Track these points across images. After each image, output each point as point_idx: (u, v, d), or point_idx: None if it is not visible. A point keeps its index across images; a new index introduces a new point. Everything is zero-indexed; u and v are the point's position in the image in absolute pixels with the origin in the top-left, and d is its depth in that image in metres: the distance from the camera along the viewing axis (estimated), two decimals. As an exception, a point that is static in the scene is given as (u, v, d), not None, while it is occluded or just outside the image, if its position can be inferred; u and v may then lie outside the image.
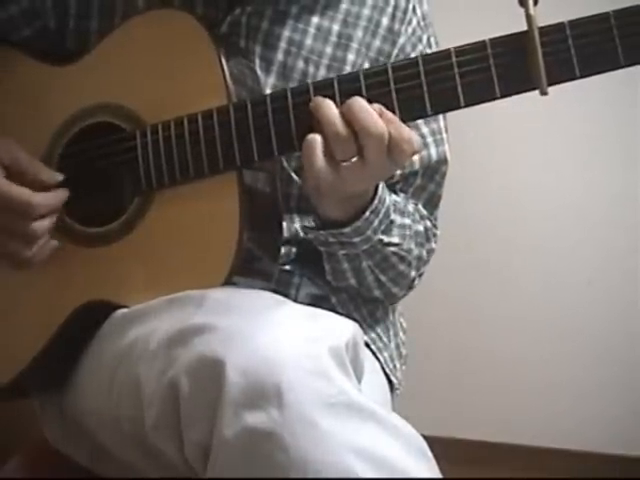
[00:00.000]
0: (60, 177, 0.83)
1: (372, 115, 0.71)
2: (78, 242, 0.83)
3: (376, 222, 0.83)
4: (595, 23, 0.70)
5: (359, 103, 0.72)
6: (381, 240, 0.85)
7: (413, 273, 0.94)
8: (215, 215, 0.77)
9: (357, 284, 0.91)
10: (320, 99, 0.74)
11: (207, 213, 0.78)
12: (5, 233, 0.79)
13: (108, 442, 0.79)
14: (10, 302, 0.87)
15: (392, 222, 0.86)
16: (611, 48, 0.69)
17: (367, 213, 0.81)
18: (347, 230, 0.81)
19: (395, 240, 0.87)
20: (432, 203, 1.00)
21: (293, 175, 0.91)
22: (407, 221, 0.90)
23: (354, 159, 0.73)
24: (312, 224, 0.87)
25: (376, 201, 0.81)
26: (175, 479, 0.72)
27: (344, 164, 0.73)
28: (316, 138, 0.73)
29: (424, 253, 0.95)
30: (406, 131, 0.72)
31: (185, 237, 0.78)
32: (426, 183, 0.98)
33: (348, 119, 0.72)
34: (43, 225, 0.79)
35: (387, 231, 0.85)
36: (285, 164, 0.90)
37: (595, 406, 1.85)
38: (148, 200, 0.81)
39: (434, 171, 0.98)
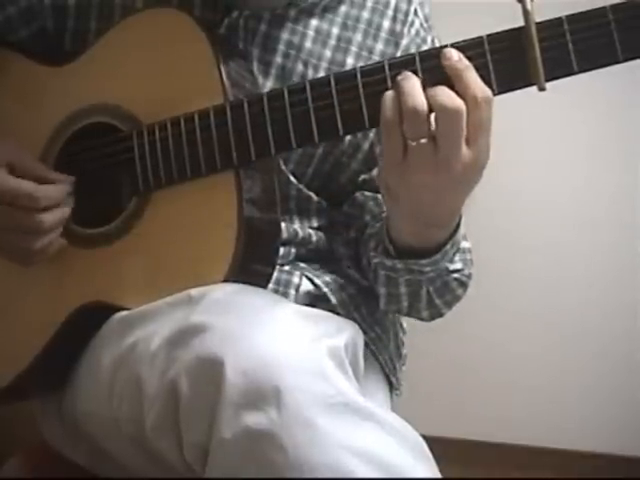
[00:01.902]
0: (64, 176, 0.82)
1: (449, 90, 0.68)
2: (76, 243, 0.83)
3: (451, 253, 0.81)
4: (593, 18, 0.69)
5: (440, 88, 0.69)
6: (447, 267, 0.83)
7: (464, 295, 0.92)
8: (212, 215, 0.77)
9: (408, 307, 0.89)
10: (407, 73, 0.70)
11: (205, 213, 0.77)
12: (12, 227, 0.79)
13: (107, 443, 0.79)
14: (9, 304, 0.87)
15: (458, 249, 0.84)
16: (609, 43, 0.68)
17: (448, 246, 0.79)
18: (424, 262, 0.79)
19: (458, 266, 0.85)
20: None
21: (291, 177, 0.91)
22: (467, 244, 0.88)
23: (424, 140, 0.68)
24: (379, 253, 0.83)
25: (457, 234, 0.80)
26: (175, 479, 0.71)
27: (414, 144, 0.68)
28: (396, 109, 0.69)
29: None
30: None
31: (183, 237, 0.78)
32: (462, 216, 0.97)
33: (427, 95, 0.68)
34: (50, 218, 0.79)
35: (451, 259, 0.83)
36: (283, 167, 0.89)
37: (595, 406, 1.85)
38: (146, 200, 0.81)
39: None
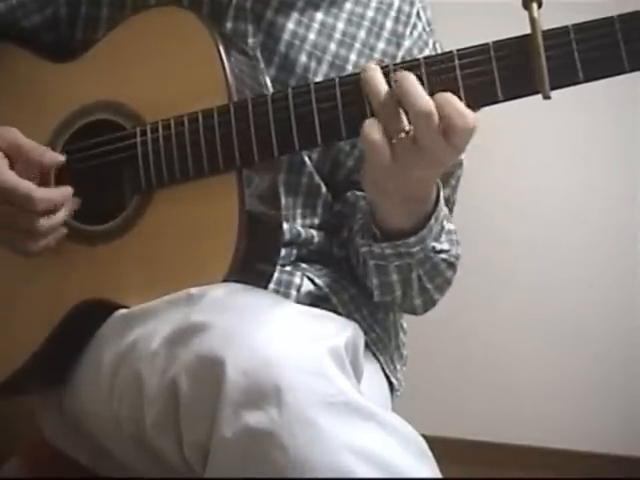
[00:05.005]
0: (62, 158, 0.82)
1: (419, 90, 0.69)
2: (77, 240, 0.83)
3: (435, 229, 0.81)
4: (599, 27, 0.69)
5: (409, 79, 0.69)
6: (433, 247, 0.83)
7: (453, 278, 0.92)
8: (214, 215, 0.77)
9: (401, 296, 0.89)
10: (370, 72, 0.72)
11: (206, 213, 0.78)
12: (8, 226, 0.78)
13: (108, 442, 0.79)
14: (9, 299, 0.87)
15: (442, 228, 0.84)
16: (615, 53, 0.68)
17: (432, 220, 0.79)
18: (412, 240, 0.79)
19: (445, 247, 0.85)
20: (447, 208, 0.99)
21: (306, 159, 0.90)
22: (452, 226, 0.88)
23: (402, 135, 0.70)
24: (367, 239, 0.84)
25: (438, 206, 0.80)
26: (175, 479, 0.71)
27: (395, 141, 0.70)
28: (374, 124, 0.71)
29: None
30: (459, 107, 0.69)
31: (184, 236, 0.78)
32: (441, 188, 0.97)
33: (397, 94, 0.70)
34: (48, 222, 0.78)
35: (437, 237, 0.84)
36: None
37: (595, 406, 1.85)
38: (147, 199, 0.81)
39: (449, 175, 0.96)
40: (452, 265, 0.88)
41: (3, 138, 0.80)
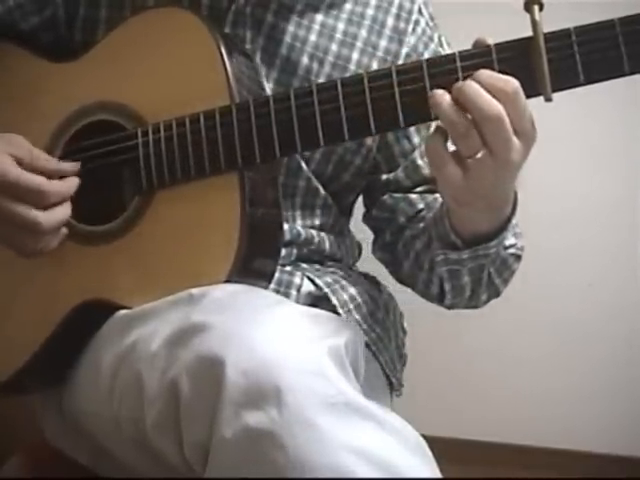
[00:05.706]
0: (78, 165, 0.82)
1: (485, 97, 0.68)
2: (78, 240, 0.83)
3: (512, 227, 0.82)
4: (601, 30, 0.69)
5: (472, 87, 0.68)
6: (504, 244, 0.84)
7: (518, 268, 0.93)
8: (216, 216, 0.77)
9: (468, 297, 0.90)
10: (437, 95, 0.70)
11: (208, 213, 0.78)
12: (16, 224, 0.77)
13: (108, 442, 0.79)
14: (9, 299, 0.87)
15: None
16: (616, 55, 0.69)
17: (512, 221, 0.80)
18: (493, 243, 0.80)
19: (512, 241, 0.87)
20: None
21: (302, 164, 0.91)
22: (514, 220, 0.89)
23: (480, 154, 0.69)
24: (443, 249, 0.83)
25: (516, 207, 0.80)
26: (175, 479, 0.72)
27: (471, 161, 0.70)
28: (438, 144, 0.71)
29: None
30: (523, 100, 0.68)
31: (185, 237, 0.78)
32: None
33: (463, 106, 0.69)
34: (54, 216, 0.78)
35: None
36: None
37: (595, 407, 1.85)
38: (149, 199, 0.81)
39: None
40: (519, 257, 0.90)
41: (11, 143, 0.80)
